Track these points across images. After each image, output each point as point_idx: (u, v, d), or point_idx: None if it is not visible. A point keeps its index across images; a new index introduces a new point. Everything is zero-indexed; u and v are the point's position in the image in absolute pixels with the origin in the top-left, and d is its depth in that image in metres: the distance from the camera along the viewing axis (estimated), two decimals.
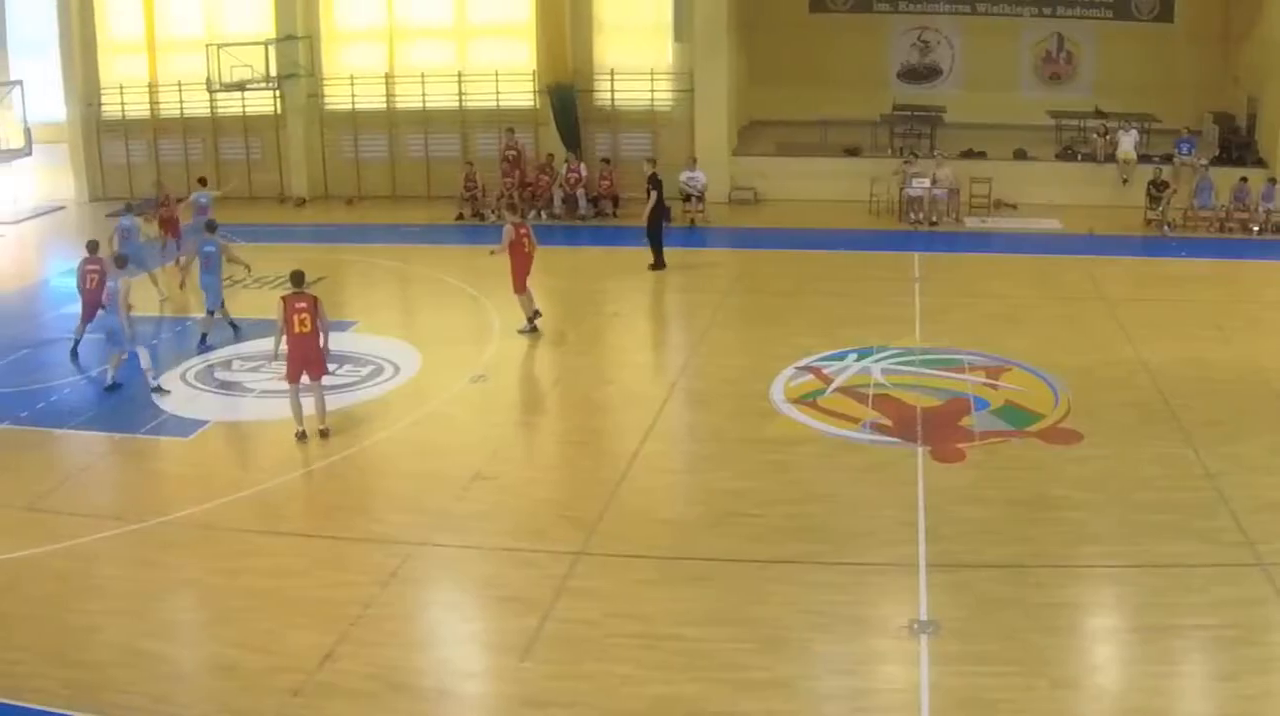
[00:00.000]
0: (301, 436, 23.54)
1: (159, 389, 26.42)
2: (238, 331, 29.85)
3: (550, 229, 40.93)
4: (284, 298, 23.50)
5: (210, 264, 29.52)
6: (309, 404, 23.62)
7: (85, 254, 28.95)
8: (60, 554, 19.23)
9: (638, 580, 17.87)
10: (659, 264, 35.23)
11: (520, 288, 29.44)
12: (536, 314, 29.57)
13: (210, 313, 29.57)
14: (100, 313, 27.78)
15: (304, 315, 23.29)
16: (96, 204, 47.86)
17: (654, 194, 34.96)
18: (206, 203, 35.34)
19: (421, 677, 15.88)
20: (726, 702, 14.80)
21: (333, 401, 25.12)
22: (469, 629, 17.39)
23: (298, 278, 24.00)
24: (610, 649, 16.02)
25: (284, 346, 23.63)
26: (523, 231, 29.36)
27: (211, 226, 30.43)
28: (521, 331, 29.26)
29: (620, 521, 19.73)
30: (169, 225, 36.20)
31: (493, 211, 42.29)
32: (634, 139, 43.89)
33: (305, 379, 23.62)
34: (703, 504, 20.47)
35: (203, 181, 38.02)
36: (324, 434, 23.62)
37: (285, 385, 24.28)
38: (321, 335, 23.62)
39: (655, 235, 35.35)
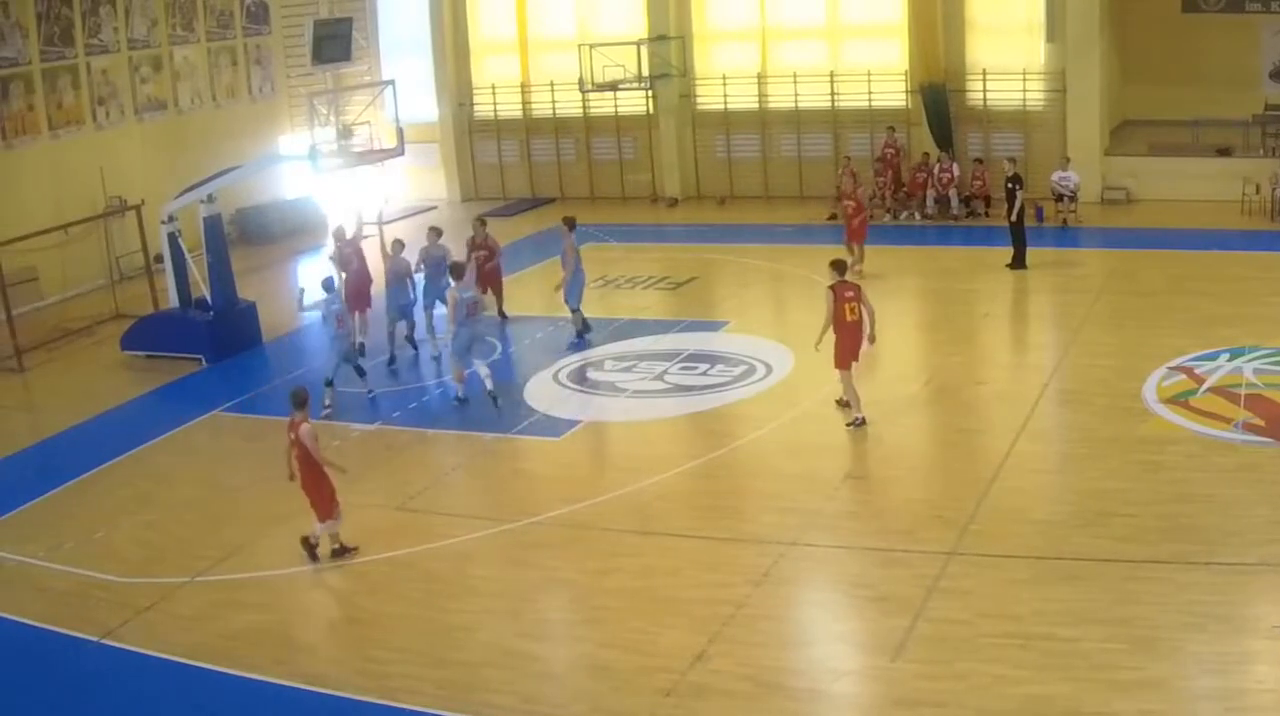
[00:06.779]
0: (860, 422, 23.86)
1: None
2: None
3: (924, 229, 41.11)
4: (832, 287, 23.90)
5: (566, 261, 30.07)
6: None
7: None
8: (432, 554, 20.23)
9: (1009, 580, 18.02)
10: (1019, 263, 35.01)
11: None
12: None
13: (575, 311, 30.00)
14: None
15: (853, 303, 23.73)
16: (469, 204, 49.48)
17: (1016, 192, 34.66)
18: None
19: (793, 677, 16.34)
20: (1099, 702, 14.91)
21: (706, 401, 25.74)
22: (840, 628, 17.76)
23: (842, 266, 24.61)
24: (982, 648, 16.26)
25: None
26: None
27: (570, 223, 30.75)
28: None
29: (992, 521, 19.88)
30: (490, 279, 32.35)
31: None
32: (1006, 139, 43.35)
33: None
34: (1074, 503, 20.47)
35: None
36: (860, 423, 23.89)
37: (659, 385, 24.88)
38: (867, 322, 24.00)
39: (1019, 233, 35.23)
